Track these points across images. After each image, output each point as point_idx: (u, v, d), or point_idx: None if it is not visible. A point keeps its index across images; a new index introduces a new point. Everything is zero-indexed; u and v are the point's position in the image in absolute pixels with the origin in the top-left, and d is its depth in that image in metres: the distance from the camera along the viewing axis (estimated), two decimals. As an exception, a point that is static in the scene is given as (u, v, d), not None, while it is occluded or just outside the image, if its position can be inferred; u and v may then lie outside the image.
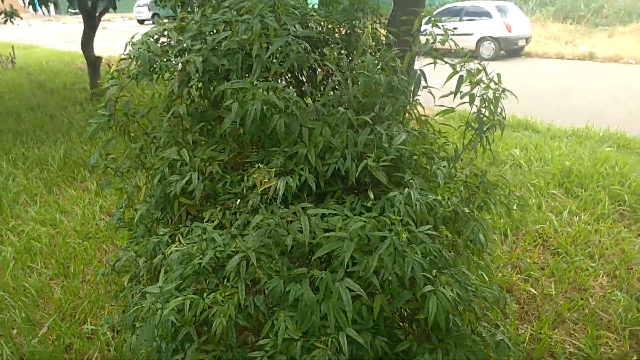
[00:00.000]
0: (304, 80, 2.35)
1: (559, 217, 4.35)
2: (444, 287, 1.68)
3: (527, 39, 14.96)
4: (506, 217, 3.99)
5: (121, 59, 2.12)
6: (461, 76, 2.30)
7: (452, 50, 2.43)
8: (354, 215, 1.80)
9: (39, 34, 26.67)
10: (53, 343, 2.91)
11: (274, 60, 2.00)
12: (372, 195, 1.82)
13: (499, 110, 2.35)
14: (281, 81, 2.22)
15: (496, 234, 4.06)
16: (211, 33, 2.08)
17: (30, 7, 6.79)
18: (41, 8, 6.59)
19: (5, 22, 8.85)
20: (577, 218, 4.34)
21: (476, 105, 2.35)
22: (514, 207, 4.32)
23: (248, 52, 1.98)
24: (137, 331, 1.70)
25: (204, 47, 1.98)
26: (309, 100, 2.24)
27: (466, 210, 1.92)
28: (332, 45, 2.40)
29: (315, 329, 1.67)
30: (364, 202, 1.85)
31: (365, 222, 1.70)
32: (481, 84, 2.32)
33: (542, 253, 3.90)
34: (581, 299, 3.29)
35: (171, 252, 1.80)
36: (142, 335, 1.66)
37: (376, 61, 2.25)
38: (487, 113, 2.35)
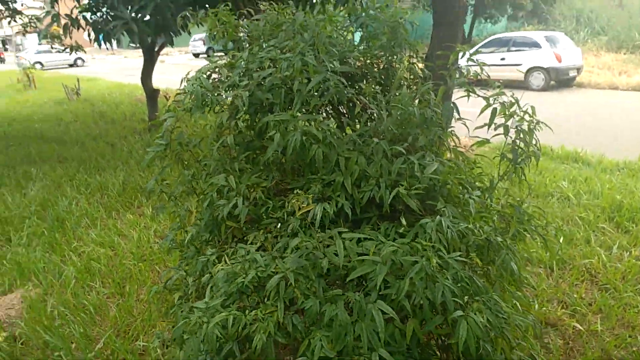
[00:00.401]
0: (344, 112, 2.49)
1: (608, 252, 4.22)
2: (475, 313, 1.74)
3: (579, 69, 14.65)
4: (543, 248, 3.93)
5: (177, 94, 2.33)
6: (494, 108, 2.38)
7: (498, 82, 2.49)
8: (388, 241, 1.89)
9: (102, 67, 28.45)
10: (108, 358, 3.10)
11: (314, 94, 2.14)
12: (404, 222, 1.91)
13: (533, 141, 2.40)
14: (321, 114, 2.36)
15: (541, 268, 4.00)
16: (257, 70, 2.26)
17: (95, 42, 7.37)
18: (105, 43, 7.13)
19: (70, 54, 9.56)
20: (628, 253, 4.20)
21: (510, 137, 2.41)
22: (560, 240, 4.25)
23: (290, 87, 2.14)
24: (184, 343, 1.83)
25: (250, 83, 2.16)
26: (348, 131, 2.37)
27: (499, 239, 1.97)
28: (370, 80, 2.53)
29: (349, 349, 1.75)
30: (397, 229, 1.94)
31: (397, 247, 1.79)
32: (515, 116, 2.39)
33: (589, 288, 3.80)
34: (629, 336, 3.19)
35: (217, 271, 1.94)
36: (189, 348, 1.79)
37: (412, 94, 2.38)
38: (521, 144, 2.41)
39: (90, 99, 14.91)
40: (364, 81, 2.60)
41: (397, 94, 2.36)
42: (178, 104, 2.30)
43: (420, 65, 2.98)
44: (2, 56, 39.91)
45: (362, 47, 2.82)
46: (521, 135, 2.39)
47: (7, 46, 60.29)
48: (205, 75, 2.37)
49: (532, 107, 2.42)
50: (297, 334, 1.86)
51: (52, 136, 9.76)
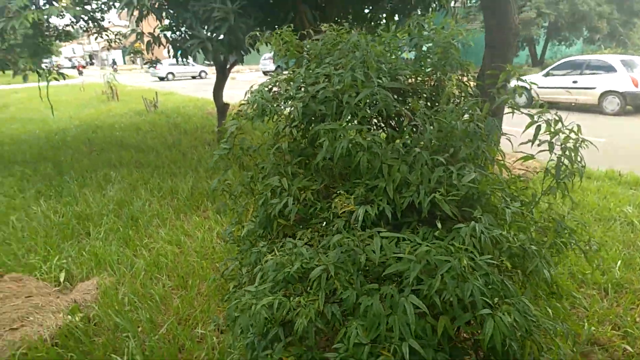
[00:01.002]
0: (391, 124, 2.66)
1: (669, 279, 4.08)
2: (504, 313, 1.85)
3: (659, 94, 13.89)
4: (598, 270, 3.87)
5: (241, 104, 2.61)
6: (538, 125, 2.47)
7: (573, 104, 2.59)
8: (424, 242, 2.04)
9: (179, 82, 30.11)
10: (169, 342, 3.39)
11: (362, 107, 2.34)
12: (439, 225, 2.06)
13: (578, 158, 2.47)
14: (371, 125, 2.55)
15: (596, 290, 3.93)
16: (313, 84, 2.49)
17: (174, 58, 7.96)
18: (182, 59, 7.70)
19: (149, 68, 10.36)
20: (690, 281, 4.04)
21: (556, 154, 2.49)
22: (616, 264, 4.16)
23: (341, 100, 2.35)
24: (235, 322, 2.06)
25: (305, 95, 2.39)
26: (397, 142, 2.54)
27: (533, 247, 2.06)
28: (420, 95, 2.70)
29: (382, 338, 1.91)
30: (435, 233, 2.08)
31: (431, 248, 1.94)
32: (560, 134, 2.47)
33: (645, 314, 3.70)
34: (683, 362, 3.10)
35: (267, 261, 2.17)
36: (239, 325, 2.02)
37: (457, 109, 2.52)
38: (566, 161, 2.48)
39: (166, 111, 15.89)
40: (413, 97, 2.77)
41: (444, 109, 2.51)
42: (241, 113, 2.57)
43: (472, 83, 3.11)
44: (80, 69, 43.57)
45: (416, 65, 3.00)
46: (566, 153, 2.47)
47: (93, 60, 65.05)
48: (266, 89, 2.64)
49: (578, 126, 2.50)
50: (335, 321, 2.04)
51: (130, 143, 10.54)
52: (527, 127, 2.54)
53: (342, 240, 2.05)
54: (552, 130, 2.48)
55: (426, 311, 1.84)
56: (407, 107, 2.48)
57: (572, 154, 2.47)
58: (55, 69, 9.86)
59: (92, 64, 65.49)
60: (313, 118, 2.51)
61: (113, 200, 6.56)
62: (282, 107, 2.49)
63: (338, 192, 2.17)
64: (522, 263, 2.07)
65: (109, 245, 5.06)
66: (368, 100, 2.30)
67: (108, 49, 13.11)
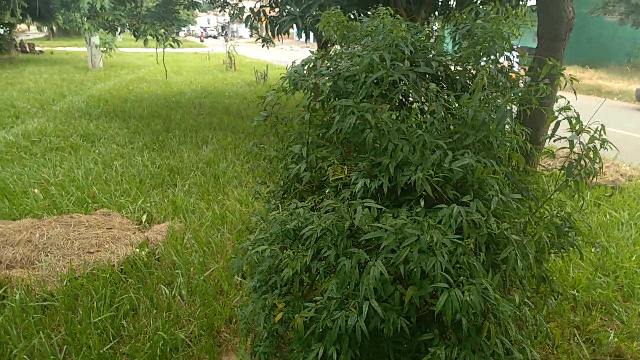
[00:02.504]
0: (408, 106, 2.78)
1: None
2: (463, 292, 1.97)
3: None
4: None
5: (281, 77, 2.88)
6: (557, 122, 2.46)
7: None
8: (408, 217, 2.19)
9: (294, 57, 31.13)
10: (213, 284, 3.85)
11: (380, 88, 2.50)
12: (422, 204, 2.19)
13: (597, 159, 2.42)
14: (392, 105, 2.69)
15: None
16: (344, 63, 2.69)
17: (296, 35, 8.45)
18: (300, 36, 8.15)
19: (263, 46, 11.01)
20: None
21: (575, 152, 2.47)
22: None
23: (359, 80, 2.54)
24: (231, 262, 2.39)
25: (332, 73, 2.60)
26: (410, 121, 2.66)
27: (514, 237, 2.12)
28: (455, 82, 2.79)
29: (350, 295, 2.12)
30: (416, 211, 2.22)
31: (406, 222, 2.09)
32: (582, 133, 2.44)
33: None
34: None
35: (271, 217, 2.45)
36: (233, 266, 2.34)
37: (484, 99, 2.59)
38: (584, 160, 2.44)
39: (274, 83, 16.70)
40: (442, 83, 2.86)
41: (467, 96, 2.58)
42: (279, 86, 2.85)
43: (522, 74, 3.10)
44: (202, 38, 48.61)
45: (457, 53, 3.06)
46: (584, 152, 2.44)
47: (226, 31, 69.19)
48: (304, 65, 2.88)
49: (602, 125, 2.44)
50: (318, 277, 2.28)
51: (233, 110, 11.35)
52: (549, 123, 2.53)
53: (334, 206, 2.26)
54: (576, 128, 2.45)
55: (387, 276, 2.01)
56: (425, 92, 2.59)
57: (592, 153, 2.43)
58: (190, 36, 10.83)
59: (223, 34, 69.79)
60: (340, 94, 2.71)
61: (203, 159, 7.25)
62: (309, 83, 2.72)
63: (332, 161, 2.37)
64: (497, 250, 2.14)
65: (188, 197, 5.68)
66: (383, 81, 2.46)
67: (233, 22, 14.03)
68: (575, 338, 3.24)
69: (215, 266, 4.06)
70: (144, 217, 5.13)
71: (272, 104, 2.93)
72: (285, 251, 2.33)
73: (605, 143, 2.43)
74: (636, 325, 3.45)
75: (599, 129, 2.44)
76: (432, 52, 2.89)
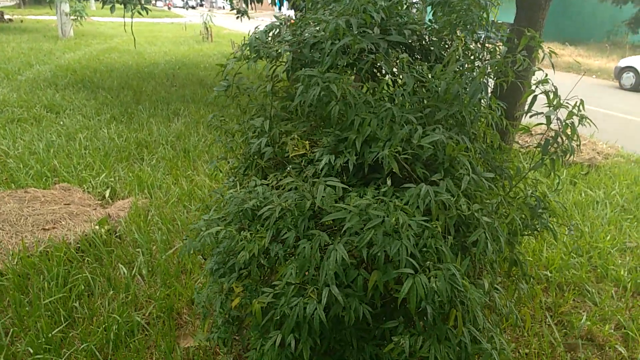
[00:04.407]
0: (379, 77, 2.60)
1: None
2: (429, 278, 1.83)
3: None
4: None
5: (242, 44, 2.67)
6: (534, 96, 2.31)
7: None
8: (374, 197, 2.03)
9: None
10: (176, 263, 3.67)
11: (346, 56, 2.31)
12: (389, 183, 2.03)
13: (574, 137, 2.29)
14: (361, 77, 2.51)
15: (617, 288, 3.67)
16: (310, 29, 2.49)
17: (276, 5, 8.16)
18: (274, 4, 7.84)
19: (237, 18, 10.65)
20: None
21: (552, 129, 2.33)
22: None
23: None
24: (184, 244, 2.21)
25: (295, 40, 2.40)
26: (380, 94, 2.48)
27: (485, 219, 1.98)
28: (416, 52, 2.61)
29: (309, 280, 1.97)
30: (382, 190, 2.06)
31: (371, 202, 1.93)
32: (560, 108, 2.30)
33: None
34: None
35: (229, 195, 2.27)
36: (183, 249, 2.17)
37: (459, 71, 2.42)
38: (562, 138, 2.31)
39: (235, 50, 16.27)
40: (416, 54, 2.68)
41: (439, 68, 2.41)
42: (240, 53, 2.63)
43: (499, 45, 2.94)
44: (169, 6, 48.77)
45: (437, 23, 2.88)
46: (561, 128, 2.30)
47: (203, 2, 67.53)
48: (268, 31, 2.67)
49: (582, 101, 2.31)
50: (276, 261, 2.12)
51: (208, 83, 11.00)
52: (525, 97, 2.39)
53: (295, 185, 2.09)
54: (552, 103, 2.31)
55: (346, 258, 1.86)
56: (396, 62, 2.40)
57: (569, 130, 2.30)
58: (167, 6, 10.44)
59: (201, 5, 68.01)
60: (305, 63, 2.51)
61: (174, 133, 6.98)
62: (277, 50, 2.51)
63: (293, 136, 2.20)
64: (467, 232, 2.01)
65: (155, 172, 5.45)
66: (350, 50, 2.27)
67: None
68: (547, 320, 3.18)
69: (179, 244, 3.88)
70: (107, 193, 4.89)
71: (232, 73, 2.72)
72: (242, 232, 2.16)
73: (584, 120, 2.30)
74: (609, 307, 3.40)
75: (578, 104, 2.30)
76: (405, 19, 2.70)
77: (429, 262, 1.89)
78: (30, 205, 4.02)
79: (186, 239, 2.20)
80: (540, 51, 2.59)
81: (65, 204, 4.19)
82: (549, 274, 3.61)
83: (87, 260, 3.60)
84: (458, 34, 2.80)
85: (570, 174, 5.75)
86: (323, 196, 2.00)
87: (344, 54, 2.34)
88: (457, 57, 2.50)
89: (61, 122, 7.08)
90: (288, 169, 2.31)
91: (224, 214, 2.25)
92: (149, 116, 7.79)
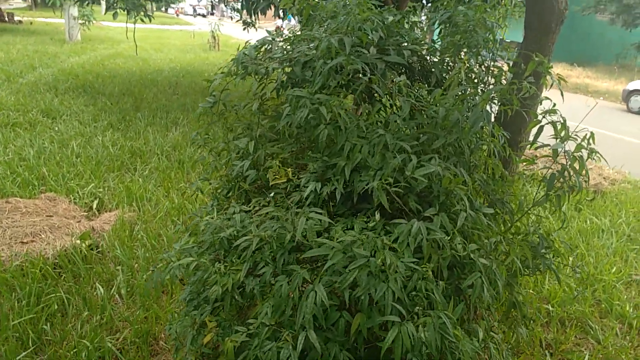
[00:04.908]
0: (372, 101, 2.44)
1: None
2: (418, 326, 1.65)
3: None
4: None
5: (231, 60, 2.51)
6: (540, 127, 2.14)
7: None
8: (363, 232, 1.86)
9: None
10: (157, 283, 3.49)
11: (339, 77, 2.15)
12: (377, 217, 1.86)
13: (583, 172, 2.11)
14: (357, 100, 2.35)
15: (622, 324, 3.46)
16: (302, 46, 2.33)
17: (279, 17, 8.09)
18: (277, 16, 7.74)
19: (244, 29, 10.56)
20: None
21: (558, 163, 2.15)
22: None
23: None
24: (151, 274, 2.04)
25: (285, 57, 2.24)
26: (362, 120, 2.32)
27: (482, 260, 1.80)
28: (416, 74, 2.44)
29: (285, 323, 1.79)
30: (369, 225, 1.89)
31: (357, 239, 1.76)
32: (568, 140, 2.12)
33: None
34: None
35: (205, 222, 2.10)
36: (152, 279, 1.99)
37: (460, 96, 2.25)
38: (569, 173, 2.13)
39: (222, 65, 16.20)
40: (416, 75, 2.52)
41: (439, 92, 2.24)
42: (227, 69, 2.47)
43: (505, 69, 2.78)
44: (177, 14, 49.79)
45: (441, 43, 2.72)
46: (569, 163, 2.13)
47: (214, 10, 68.02)
48: (260, 46, 2.51)
49: (592, 134, 2.13)
50: (252, 297, 1.94)
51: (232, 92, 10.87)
52: (530, 127, 2.21)
53: (270, 214, 1.92)
54: (559, 135, 2.14)
55: (325, 302, 1.68)
56: (392, 84, 2.24)
57: (577, 165, 2.13)
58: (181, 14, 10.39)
59: (212, 13, 68.29)
60: (296, 82, 2.35)
61: (170, 143, 6.82)
62: (265, 67, 2.35)
63: (273, 163, 2.03)
64: (462, 274, 1.82)
65: (147, 183, 5.28)
66: (343, 70, 2.11)
67: (225, 2, 13.49)
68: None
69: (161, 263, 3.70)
70: (95, 204, 4.73)
71: (219, 89, 2.56)
72: (216, 264, 1.98)
73: (594, 154, 2.13)
74: (612, 346, 3.19)
75: (588, 137, 2.13)
76: (406, 39, 2.54)
77: (418, 308, 1.71)
78: (11, 217, 3.86)
79: (153, 270, 2.02)
80: (548, 78, 2.42)
81: (47, 216, 4.03)
82: (551, 308, 3.41)
83: (64, 278, 3.42)
84: (462, 56, 2.64)
85: (575, 200, 5.54)
86: (304, 229, 1.83)
87: (337, 74, 2.17)
88: (459, 81, 2.34)
89: (56, 128, 6.94)
90: (272, 194, 2.14)
91: (199, 242, 2.07)
92: (146, 124, 7.65)
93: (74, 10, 17.41)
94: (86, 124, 7.35)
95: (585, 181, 2.09)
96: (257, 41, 2.52)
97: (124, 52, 16.71)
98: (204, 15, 60.90)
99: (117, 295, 3.35)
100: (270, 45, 2.50)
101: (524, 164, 2.35)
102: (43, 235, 3.72)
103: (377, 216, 1.86)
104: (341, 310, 1.83)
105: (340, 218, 2.08)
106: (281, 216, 1.92)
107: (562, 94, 2.37)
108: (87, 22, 17.55)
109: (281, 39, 2.56)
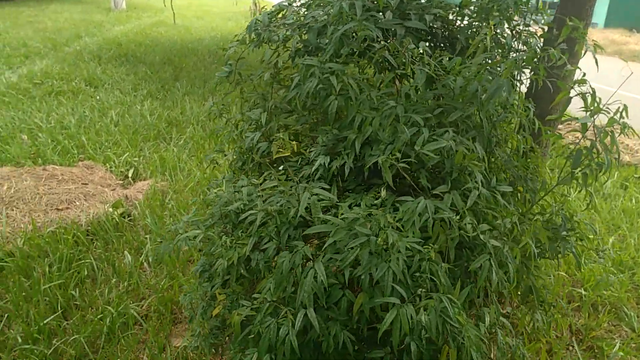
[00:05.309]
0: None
1: None
2: (419, 309, 1.58)
3: None
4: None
5: (247, 27, 2.44)
6: (569, 99, 1.98)
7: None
8: (369, 208, 1.79)
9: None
10: (183, 251, 3.55)
11: (355, 46, 2.04)
12: (383, 194, 1.78)
13: (614, 149, 1.95)
14: (376, 69, 2.24)
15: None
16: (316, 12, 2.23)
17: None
18: None
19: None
20: None
21: (586, 138, 1.99)
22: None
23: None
24: (160, 245, 2.05)
25: (297, 24, 2.15)
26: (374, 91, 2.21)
27: (493, 242, 1.70)
28: (440, 41, 2.30)
29: (286, 299, 1.76)
30: (375, 201, 1.81)
31: (359, 216, 1.69)
32: (600, 113, 1.96)
33: None
34: None
35: (213, 194, 2.09)
36: (160, 250, 2.00)
37: (482, 64, 2.11)
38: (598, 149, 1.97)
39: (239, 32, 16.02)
40: (439, 42, 2.38)
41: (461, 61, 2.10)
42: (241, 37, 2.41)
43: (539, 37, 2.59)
44: None
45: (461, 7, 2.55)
46: (599, 138, 1.96)
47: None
48: (276, 13, 2.43)
49: (625, 107, 1.95)
50: (259, 271, 1.93)
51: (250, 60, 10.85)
52: (559, 99, 2.05)
53: (275, 189, 1.88)
54: (592, 108, 1.97)
55: (324, 280, 1.63)
56: (406, 52, 2.11)
57: (609, 140, 1.96)
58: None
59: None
60: (308, 51, 2.27)
61: (206, 112, 6.87)
62: (278, 35, 2.28)
63: (277, 135, 1.97)
64: (472, 256, 1.73)
65: (181, 153, 5.36)
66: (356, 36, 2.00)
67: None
68: (573, 346, 2.84)
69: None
70: (130, 173, 4.84)
71: (235, 58, 2.51)
72: (223, 238, 1.97)
73: (627, 129, 1.95)
74: (633, 349, 3.02)
75: (621, 110, 1.95)
76: (432, 2, 2.38)
77: (421, 290, 1.64)
78: (47, 184, 4.00)
79: (160, 241, 2.03)
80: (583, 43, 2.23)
81: (83, 184, 4.16)
82: (583, 292, 3.25)
83: (96, 245, 3.54)
84: (490, 21, 2.47)
85: (622, 177, 5.23)
86: (308, 205, 1.78)
87: (350, 41, 2.07)
88: (485, 47, 2.18)
89: (97, 97, 7.12)
90: (282, 167, 2.09)
91: (209, 215, 2.06)
92: (184, 94, 7.72)
93: (120, -21, 17.64)
94: (126, 93, 7.49)
95: (615, 158, 1.93)
96: (273, 6, 2.44)
97: (167, 21, 16.85)
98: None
99: (145, 263, 3.44)
100: (286, 11, 2.41)
101: (553, 141, 2.19)
102: (77, 203, 3.85)
103: (384, 193, 1.79)
104: (345, 289, 1.78)
105: (351, 194, 2.02)
106: (286, 190, 1.88)
107: (596, 63, 2.18)
108: (132, -9, 17.73)
109: (298, 4, 2.46)
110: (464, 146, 1.83)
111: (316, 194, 1.81)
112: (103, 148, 5.29)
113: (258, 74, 2.39)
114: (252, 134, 2.25)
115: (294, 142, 1.91)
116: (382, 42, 2.04)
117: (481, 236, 1.68)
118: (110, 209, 3.90)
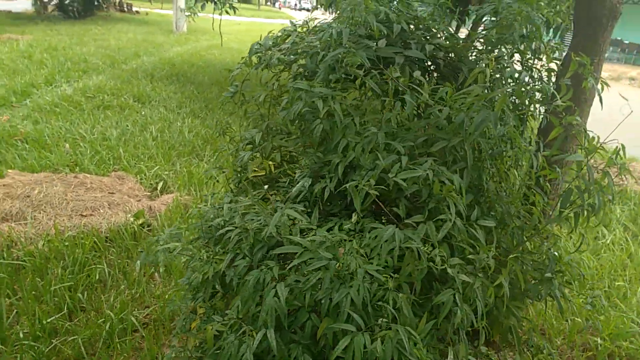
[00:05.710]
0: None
1: None
2: (376, 338, 1.55)
3: None
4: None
5: (249, 50, 2.52)
6: (564, 135, 1.91)
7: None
8: (341, 233, 1.78)
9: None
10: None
11: (341, 72, 2.07)
12: (354, 219, 1.77)
13: (609, 190, 1.86)
14: (362, 93, 2.25)
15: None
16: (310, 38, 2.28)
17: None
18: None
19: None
20: None
21: (580, 178, 1.91)
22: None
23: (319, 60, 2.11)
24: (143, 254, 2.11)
25: (291, 49, 2.20)
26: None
27: (462, 277, 1.64)
28: (440, 71, 2.28)
29: (250, 318, 1.77)
30: (345, 227, 1.80)
31: (326, 239, 1.69)
32: (594, 155, 1.88)
33: None
34: None
35: (199, 208, 2.14)
36: (138, 260, 2.07)
37: (478, 95, 2.08)
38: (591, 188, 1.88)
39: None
40: (442, 72, 2.36)
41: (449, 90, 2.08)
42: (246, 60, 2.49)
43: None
44: (280, 7, 47.85)
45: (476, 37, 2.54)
46: (590, 178, 1.88)
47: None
48: (284, 37, 2.50)
49: (623, 146, 1.86)
50: (231, 288, 1.94)
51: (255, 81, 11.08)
52: (553, 134, 1.98)
53: (249, 209, 1.90)
54: (583, 146, 1.90)
55: (282, 302, 1.63)
56: (391, 80, 2.10)
57: (604, 181, 1.87)
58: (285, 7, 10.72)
59: (317, 7, 69.32)
60: (305, 75, 2.31)
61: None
62: (276, 58, 2.33)
63: (255, 155, 1.99)
64: (441, 291, 1.67)
65: (211, 167, 5.50)
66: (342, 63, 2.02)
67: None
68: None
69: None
70: (159, 185, 5.02)
71: (240, 79, 2.59)
72: (201, 251, 2.01)
73: (624, 171, 1.85)
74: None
75: (619, 149, 1.86)
76: (439, 34, 2.38)
77: (382, 320, 1.60)
78: (76, 191, 4.21)
79: (141, 252, 2.10)
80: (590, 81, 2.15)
81: (109, 193, 4.34)
82: (599, 341, 3.05)
83: (111, 251, 3.67)
84: (497, 53, 2.44)
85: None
86: (277, 225, 1.79)
87: (341, 67, 2.09)
88: (484, 79, 2.16)
89: (142, 112, 7.46)
90: (267, 187, 2.12)
91: (191, 228, 2.11)
92: (225, 114, 7.96)
93: (182, 2, 18.54)
94: (170, 110, 7.81)
95: (609, 200, 1.83)
96: (280, 31, 2.51)
97: (223, 44, 17.52)
98: (308, 10, 62.05)
99: (156, 273, 3.53)
100: (288, 36, 2.48)
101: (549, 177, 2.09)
102: (101, 210, 4.02)
103: (354, 218, 1.77)
104: (312, 312, 1.77)
105: (334, 218, 2.02)
106: (260, 211, 1.90)
107: (601, 101, 2.09)
108: (192, 14, 18.60)
109: (305, 29, 2.52)
110: (443, 177, 1.79)
111: (287, 215, 1.82)
112: (137, 160, 5.51)
113: (257, 95, 2.45)
114: (244, 153, 2.30)
115: (271, 163, 1.93)
116: (372, 70, 2.06)
117: (449, 270, 1.63)
118: (132, 219, 4.05)
